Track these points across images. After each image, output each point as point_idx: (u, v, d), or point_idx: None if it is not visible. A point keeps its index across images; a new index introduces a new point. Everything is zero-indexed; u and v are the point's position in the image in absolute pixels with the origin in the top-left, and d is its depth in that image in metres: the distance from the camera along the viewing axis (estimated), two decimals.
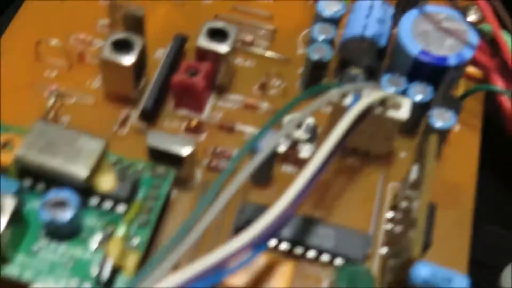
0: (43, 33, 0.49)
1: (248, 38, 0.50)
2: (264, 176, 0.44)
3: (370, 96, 0.40)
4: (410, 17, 0.46)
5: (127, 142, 0.45)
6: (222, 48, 0.45)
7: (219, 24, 0.46)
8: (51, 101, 0.44)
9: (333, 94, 0.39)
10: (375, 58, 0.47)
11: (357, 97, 0.41)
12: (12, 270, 0.37)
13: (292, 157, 0.44)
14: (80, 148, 0.38)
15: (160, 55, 0.49)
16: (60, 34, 0.49)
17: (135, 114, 0.46)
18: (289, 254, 0.40)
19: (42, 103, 0.45)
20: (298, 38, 0.51)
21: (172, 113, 0.46)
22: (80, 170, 0.37)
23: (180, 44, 0.48)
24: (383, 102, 0.42)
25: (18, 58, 0.48)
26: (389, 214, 0.43)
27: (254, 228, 0.33)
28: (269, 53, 0.50)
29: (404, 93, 0.44)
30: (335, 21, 0.48)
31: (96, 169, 0.38)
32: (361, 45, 0.46)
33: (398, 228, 0.40)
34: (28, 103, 0.46)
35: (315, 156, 0.36)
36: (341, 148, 0.38)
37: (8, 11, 0.53)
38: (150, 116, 0.45)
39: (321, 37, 0.47)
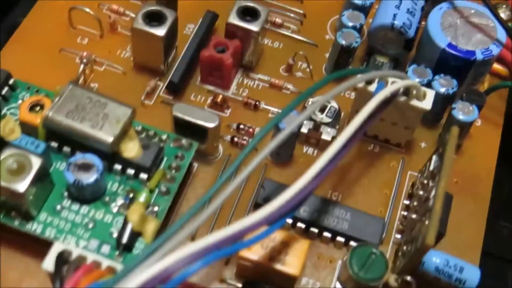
0: (75, 3, 0.50)
1: (278, 20, 0.51)
2: (285, 155, 0.44)
3: (395, 84, 0.41)
4: (440, 9, 0.47)
5: (153, 112, 0.46)
6: (252, 27, 0.46)
7: (250, 3, 0.46)
8: (81, 67, 0.45)
9: (358, 79, 0.40)
10: (403, 48, 0.47)
11: (382, 85, 0.41)
12: (34, 227, 0.38)
13: (314, 139, 0.45)
14: (108, 114, 0.39)
15: (190, 30, 0.50)
16: (93, 2, 0.50)
17: (162, 85, 0.47)
18: (305, 233, 0.41)
19: (73, 69, 0.46)
20: (327, 23, 0.52)
21: (198, 87, 0.47)
22: (106, 136, 0.38)
23: (210, 21, 0.49)
24: (407, 92, 0.42)
25: (51, 24, 0.49)
26: (406, 201, 0.43)
27: (273, 204, 0.34)
28: (297, 36, 0.50)
29: (429, 84, 0.45)
30: (365, 9, 0.48)
31: (121, 136, 0.39)
32: (389, 34, 0.47)
33: (414, 216, 0.40)
34: (59, 68, 0.47)
35: (337, 139, 0.36)
36: (362, 132, 0.38)
37: None
38: (177, 88, 0.46)
39: (350, 24, 0.47)
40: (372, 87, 0.42)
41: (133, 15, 0.50)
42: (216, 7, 0.50)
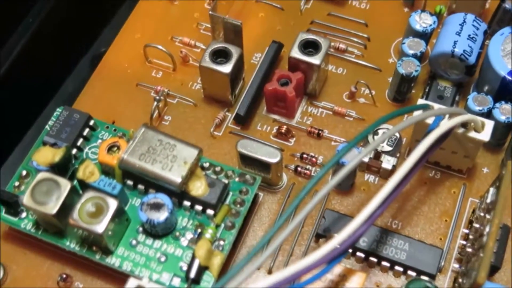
0: (151, 36, 0.53)
1: (342, 45, 0.52)
2: (347, 185, 0.46)
3: (452, 119, 0.41)
4: (501, 35, 0.47)
5: (222, 142, 0.49)
6: (314, 60, 0.47)
7: (311, 36, 0.48)
8: (155, 104, 0.48)
9: (421, 116, 0.41)
10: (464, 73, 0.48)
11: (439, 117, 0.42)
12: (113, 261, 0.42)
13: (375, 167, 0.46)
14: (176, 156, 0.42)
15: (257, 59, 0.52)
16: (166, 36, 0.53)
17: (230, 116, 0.50)
18: (364, 261, 0.43)
19: (149, 102, 0.50)
20: (390, 46, 0.53)
21: (264, 117, 0.50)
22: (175, 177, 0.41)
23: (276, 51, 0.51)
24: (465, 123, 0.43)
25: (129, 57, 0.53)
26: (465, 231, 0.44)
27: (338, 238, 0.36)
28: (361, 62, 0.52)
29: (490, 112, 0.45)
30: (426, 35, 0.49)
31: (189, 176, 0.42)
32: (451, 61, 0.47)
33: (471, 248, 0.41)
34: (136, 102, 0.51)
35: (397, 172, 0.38)
36: (422, 165, 0.40)
37: (121, 11, 0.58)
38: (243, 120, 0.49)
39: (411, 52, 0.48)
40: (430, 120, 0.43)
41: (203, 47, 0.52)
42: (281, 35, 0.52)
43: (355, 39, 0.53)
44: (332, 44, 0.52)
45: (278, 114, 0.50)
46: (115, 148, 0.44)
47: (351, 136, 0.48)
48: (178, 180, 0.41)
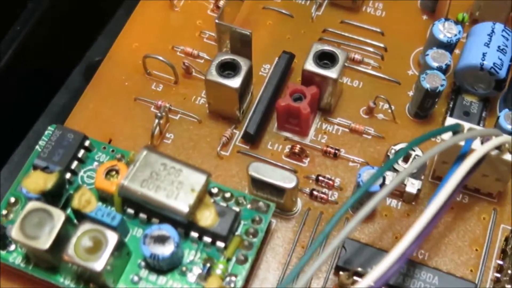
0: (150, 45, 0.49)
1: (357, 56, 0.48)
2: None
3: (487, 143, 0.38)
4: None
5: (230, 163, 0.45)
6: (330, 73, 0.43)
7: (327, 47, 0.44)
8: (156, 121, 0.44)
9: (454, 140, 0.37)
10: (493, 88, 0.44)
11: (471, 140, 0.39)
12: None
13: (397, 190, 0.43)
14: (182, 182, 0.38)
15: (266, 71, 0.48)
16: (167, 45, 0.49)
17: (238, 134, 0.45)
18: None
19: (148, 118, 0.46)
20: (409, 57, 0.49)
21: (275, 135, 0.46)
22: (181, 206, 0.37)
23: (287, 62, 0.47)
24: (499, 146, 0.39)
25: (127, 68, 0.49)
26: (499, 262, 0.40)
27: (371, 277, 0.33)
28: (378, 74, 0.48)
29: None
30: (451, 46, 0.45)
31: (197, 205, 0.38)
32: (478, 74, 0.44)
33: (509, 286, 0.37)
34: (134, 118, 0.46)
35: (433, 203, 0.34)
36: (457, 193, 0.36)
37: (116, 17, 0.53)
38: (253, 139, 0.45)
39: (435, 64, 0.44)
40: (461, 142, 0.39)
41: (207, 57, 0.48)
42: (292, 45, 0.48)
43: (371, 49, 0.49)
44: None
45: (290, 132, 0.46)
46: (114, 173, 0.40)
47: (370, 156, 0.45)
48: (185, 209, 0.37)
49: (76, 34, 0.53)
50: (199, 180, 0.38)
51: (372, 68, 0.48)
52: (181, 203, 0.37)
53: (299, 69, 0.45)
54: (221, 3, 0.50)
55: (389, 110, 0.46)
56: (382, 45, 0.49)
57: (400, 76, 0.48)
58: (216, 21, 0.45)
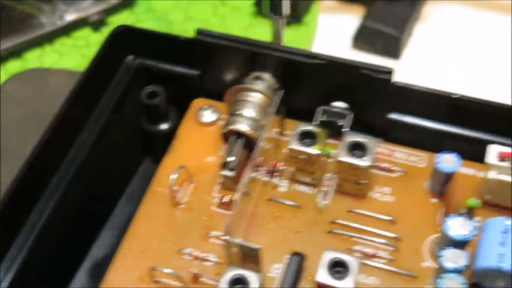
0: (156, 250, 0.48)
1: (368, 250, 0.47)
2: None
3: None
4: None
5: None
6: (344, 284, 0.42)
7: (340, 256, 0.43)
8: None
9: None
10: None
11: None
12: None
13: None
14: None
15: (275, 270, 0.47)
16: (173, 249, 0.48)
17: None
18: None
19: None
20: (422, 246, 0.48)
21: None
22: None
23: (296, 266, 0.46)
24: None
25: (131, 280, 0.47)
26: None
27: None
28: (393, 268, 0.47)
29: None
30: (465, 243, 0.44)
31: None
32: (497, 274, 0.42)
33: None
34: None
35: None
36: None
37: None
38: None
39: (452, 267, 0.43)
40: None
41: (214, 259, 0.47)
42: (301, 242, 0.47)
43: (383, 241, 0.48)
44: (358, 248, 0.47)
45: None
46: None
47: None
48: None
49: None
50: None
51: (387, 262, 0.47)
52: None
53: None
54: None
55: None
56: (395, 235, 0.48)
57: (415, 269, 0.46)
58: (226, 238, 0.44)
